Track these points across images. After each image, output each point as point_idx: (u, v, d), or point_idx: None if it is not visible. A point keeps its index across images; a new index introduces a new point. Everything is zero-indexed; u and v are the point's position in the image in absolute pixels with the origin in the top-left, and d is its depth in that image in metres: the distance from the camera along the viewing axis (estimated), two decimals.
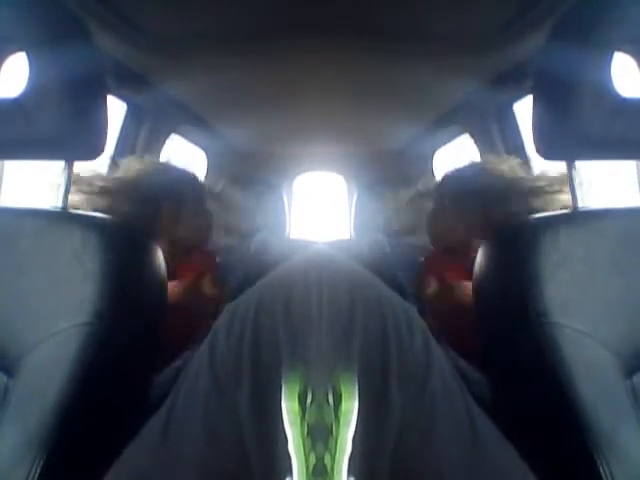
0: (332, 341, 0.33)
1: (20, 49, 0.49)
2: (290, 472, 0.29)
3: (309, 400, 0.31)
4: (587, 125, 0.49)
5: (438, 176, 0.96)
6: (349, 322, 0.34)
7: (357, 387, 0.31)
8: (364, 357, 0.32)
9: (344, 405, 0.31)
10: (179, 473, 0.31)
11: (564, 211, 0.53)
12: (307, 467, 0.29)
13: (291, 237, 1.73)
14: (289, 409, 0.31)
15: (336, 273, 0.38)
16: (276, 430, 0.30)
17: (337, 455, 0.29)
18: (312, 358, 0.32)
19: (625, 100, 0.48)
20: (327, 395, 0.31)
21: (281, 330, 0.33)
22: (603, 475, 0.37)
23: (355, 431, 0.30)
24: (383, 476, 0.30)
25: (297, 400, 0.31)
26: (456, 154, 1.63)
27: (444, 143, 1.62)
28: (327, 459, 0.29)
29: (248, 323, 0.34)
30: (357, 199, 1.64)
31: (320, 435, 0.30)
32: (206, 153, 1.70)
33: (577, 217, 0.50)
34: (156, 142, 1.33)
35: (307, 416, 0.30)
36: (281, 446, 0.30)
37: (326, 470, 0.29)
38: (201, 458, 0.31)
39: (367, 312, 0.34)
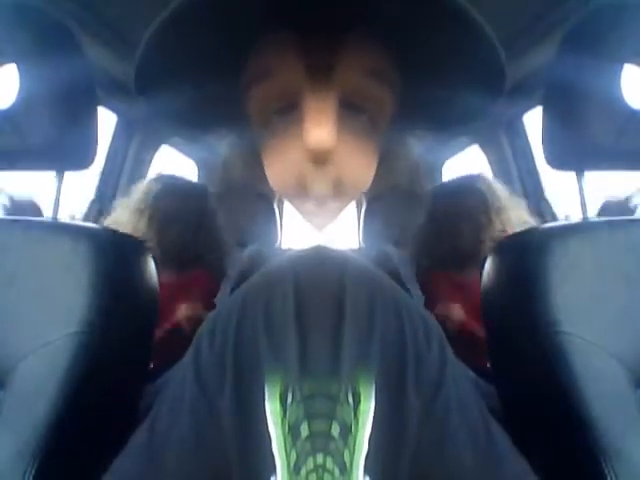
0: (322, 339, 0.35)
1: (10, 61, 0.51)
2: (274, 470, 0.31)
3: (290, 400, 0.33)
4: (597, 136, 0.51)
5: None
6: (339, 321, 0.36)
7: (375, 389, 0.33)
8: (359, 351, 0.35)
9: (362, 406, 0.32)
10: None
11: (574, 221, 0.54)
12: (288, 465, 0.31)
13: (283, 248, 1.74)
14: (272, 410, 0.32)
15: (322, 273, 0.41)
16: (259, 432, 0.32)
17: (355, 454, 0.31)
18: (290, 358, 0.34)
19: (635, 112, 0.50)
20: (347, 395, 0.33)
21: (260, 330, 0.36)
22: None
23: (372, 432, 0.32)
24: (402, 477, 0.31)
25: (278, 400, 0.33)
26: (465, 165, 1.65)
27: (453, 154, 1.65)
28: (346, 457, 0.31)
29: (231, 326, 0.37)
30: (366, 209, 1.66)
31: (341, 435, 0.31)
32: (197, 164, 1.73)
33: (586, 227, 0.52)
34: (147, 153, 1.36)
35: (287, 414, 0.32)
36: (265, 447, 0.31)
37: (345, 467, 0.31)
38: (186, 466, 0.32)
39: (358, 311, 0.37)
